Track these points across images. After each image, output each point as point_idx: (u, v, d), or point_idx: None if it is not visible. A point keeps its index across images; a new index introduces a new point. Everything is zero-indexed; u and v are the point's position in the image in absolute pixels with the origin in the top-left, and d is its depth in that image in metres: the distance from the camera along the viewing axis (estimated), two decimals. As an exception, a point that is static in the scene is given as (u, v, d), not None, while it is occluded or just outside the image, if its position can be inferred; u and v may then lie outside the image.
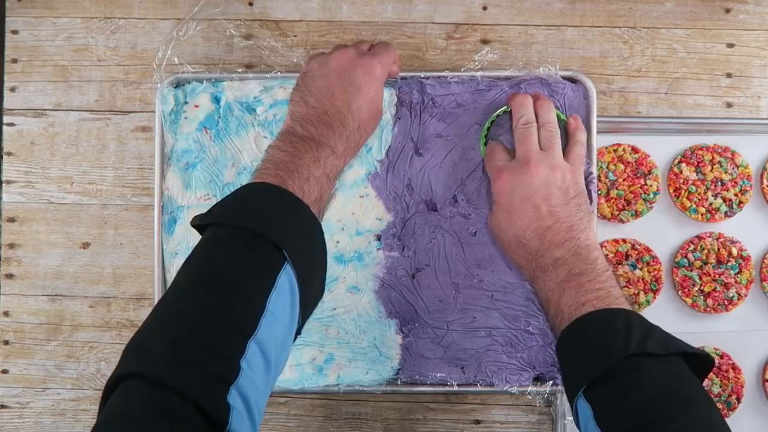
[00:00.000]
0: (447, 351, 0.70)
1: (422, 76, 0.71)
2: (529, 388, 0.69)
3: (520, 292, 0.70)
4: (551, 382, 0.70)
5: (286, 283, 0.52)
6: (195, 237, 0.70)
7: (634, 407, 0.49)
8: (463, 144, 0.71)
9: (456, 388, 0.70)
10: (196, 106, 0.70)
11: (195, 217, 0.56)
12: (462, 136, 0.71)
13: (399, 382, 0.71)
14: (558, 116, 0.68)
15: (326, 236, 0.69)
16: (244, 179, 0.70)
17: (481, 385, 0.70)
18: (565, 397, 0.70)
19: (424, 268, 0.71)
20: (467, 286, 0.70)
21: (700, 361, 0.54)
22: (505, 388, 0.70)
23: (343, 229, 0.70)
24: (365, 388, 0.71)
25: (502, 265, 0.70)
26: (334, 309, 0.71)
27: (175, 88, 0.71)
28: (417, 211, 0.71)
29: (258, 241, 0.52)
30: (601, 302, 0.57)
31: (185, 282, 0.50)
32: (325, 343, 0.70)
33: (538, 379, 0.71)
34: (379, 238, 0.71)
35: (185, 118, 0.70)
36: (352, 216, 0.70)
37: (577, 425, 0.56)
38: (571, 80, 0.71)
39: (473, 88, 0.71)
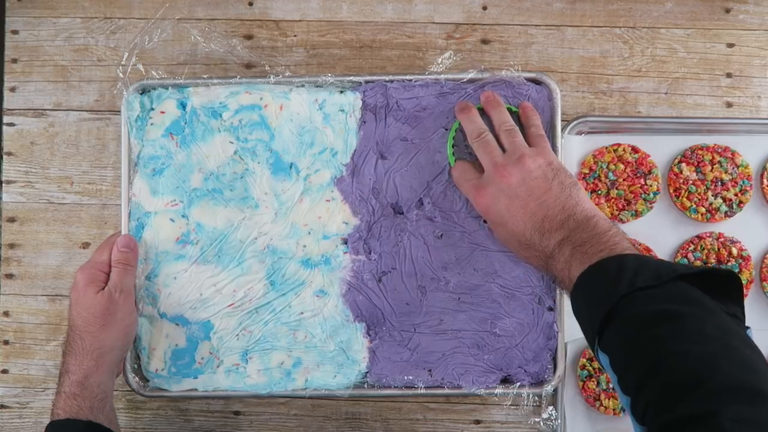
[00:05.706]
0: (414, 354, 0.71)
1: (386, 79, 0.71)
2: (497, 390, 0.70)
3: (487, 294, 0.70)
4: (518, 383, 0.70)
5: None
6: (162, 242, 0.70)
7: (632, 345, 0.50)
8: (428, 147, 0.71)
9: (423, 391, 0.70)
10: (162, 112, 0.71)
11: None
12: (427, 139, 0.71)
13: (366, 386, 0.71)
14: (509, 109, 0.68)
15: (293, 240, 0.70)
16: (211, 185, 0.71)
17: (448, 387, 0.71)
18: (530, 398, 0.71)
19: (391, 271, 0.71)
20: (434, 288, 0.71)
21: (712, 278, 0.52)
22: (472, 390, 0.70)
23: (309, 233, 0.71)
24: (333, 392, 0.71)
25: (468, 268, 0.70)
26: (302, 313, 0.71)
27: (141, 94, 0.72)
28: (383, 214, 0.71)
29: None
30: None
31: None
32: (292, 348, 0.71)
33: (506, 381, 0.71)
34: (345, 241, 0.71)
35: (151, 124, 0.71)
36: (319, 220, 0.71)
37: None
38: (535, 81, 0.71)
39: (437, 92, 0.71)
